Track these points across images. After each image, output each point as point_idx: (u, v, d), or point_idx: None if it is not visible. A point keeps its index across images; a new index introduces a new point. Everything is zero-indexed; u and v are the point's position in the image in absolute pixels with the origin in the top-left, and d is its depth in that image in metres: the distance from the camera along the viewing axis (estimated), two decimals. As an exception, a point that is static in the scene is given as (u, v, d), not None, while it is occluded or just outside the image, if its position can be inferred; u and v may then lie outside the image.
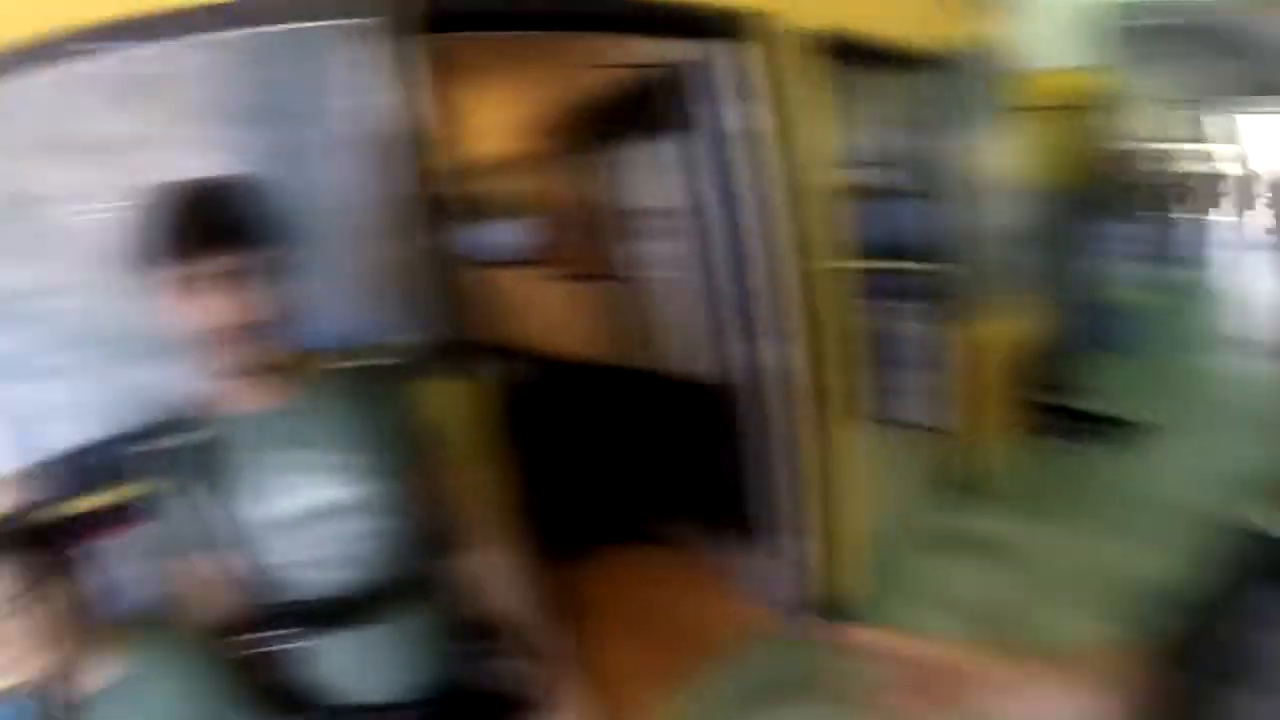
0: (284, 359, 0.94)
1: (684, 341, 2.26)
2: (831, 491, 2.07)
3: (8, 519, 1.12)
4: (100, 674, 1.08)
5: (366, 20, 1.16)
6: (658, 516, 2.57)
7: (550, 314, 3.02)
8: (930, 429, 2.93)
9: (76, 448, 1.15)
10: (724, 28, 1.68)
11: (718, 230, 1.96)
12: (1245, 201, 9.36)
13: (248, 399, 0.94)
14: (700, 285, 2.09)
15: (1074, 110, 4.24)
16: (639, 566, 2.43)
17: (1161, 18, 5.56)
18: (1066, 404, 3.54)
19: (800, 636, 2.09)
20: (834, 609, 2.10)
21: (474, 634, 1.07)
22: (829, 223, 2.01)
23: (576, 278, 2.81)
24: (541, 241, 3.04)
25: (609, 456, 2.61)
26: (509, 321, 2.90)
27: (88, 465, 1.17)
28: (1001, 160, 3.12)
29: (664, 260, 2.28)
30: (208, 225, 0.85)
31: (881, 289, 3.63)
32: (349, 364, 1.03)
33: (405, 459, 0.99)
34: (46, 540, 1.13)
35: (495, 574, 1.10)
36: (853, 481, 2.15)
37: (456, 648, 1.05)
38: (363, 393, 1.00)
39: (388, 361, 1.05)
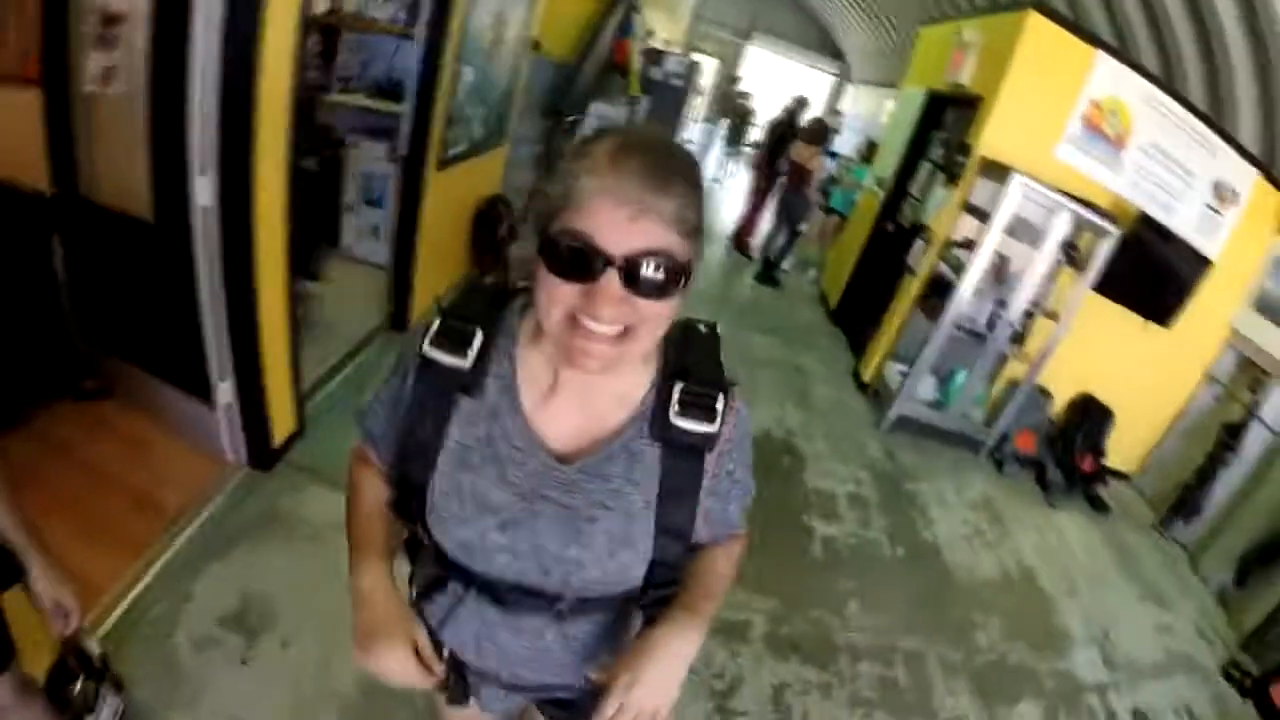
0: None
1: (119, 168, 1.86)
2: (263, 334, 2.00)
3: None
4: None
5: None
6: (94, 365, 2.23)
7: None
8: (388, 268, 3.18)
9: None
10: None
11: (164, 40, 1.61)
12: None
13: None
14: (144, 104, 1.72)
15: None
16: (77, 424, 2.11)
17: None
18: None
19: (244, 480, 2.13)
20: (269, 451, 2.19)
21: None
22: (289, 50, 1.73)
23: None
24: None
25: (32, 300, 2.07)
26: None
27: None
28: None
29: (107, 74, 1.77)
30: None
31: (360, 126, 3.57)
32: None
33: None
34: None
35: None
36: (281, 325, 2.10)
37: None
38: None
39: None
